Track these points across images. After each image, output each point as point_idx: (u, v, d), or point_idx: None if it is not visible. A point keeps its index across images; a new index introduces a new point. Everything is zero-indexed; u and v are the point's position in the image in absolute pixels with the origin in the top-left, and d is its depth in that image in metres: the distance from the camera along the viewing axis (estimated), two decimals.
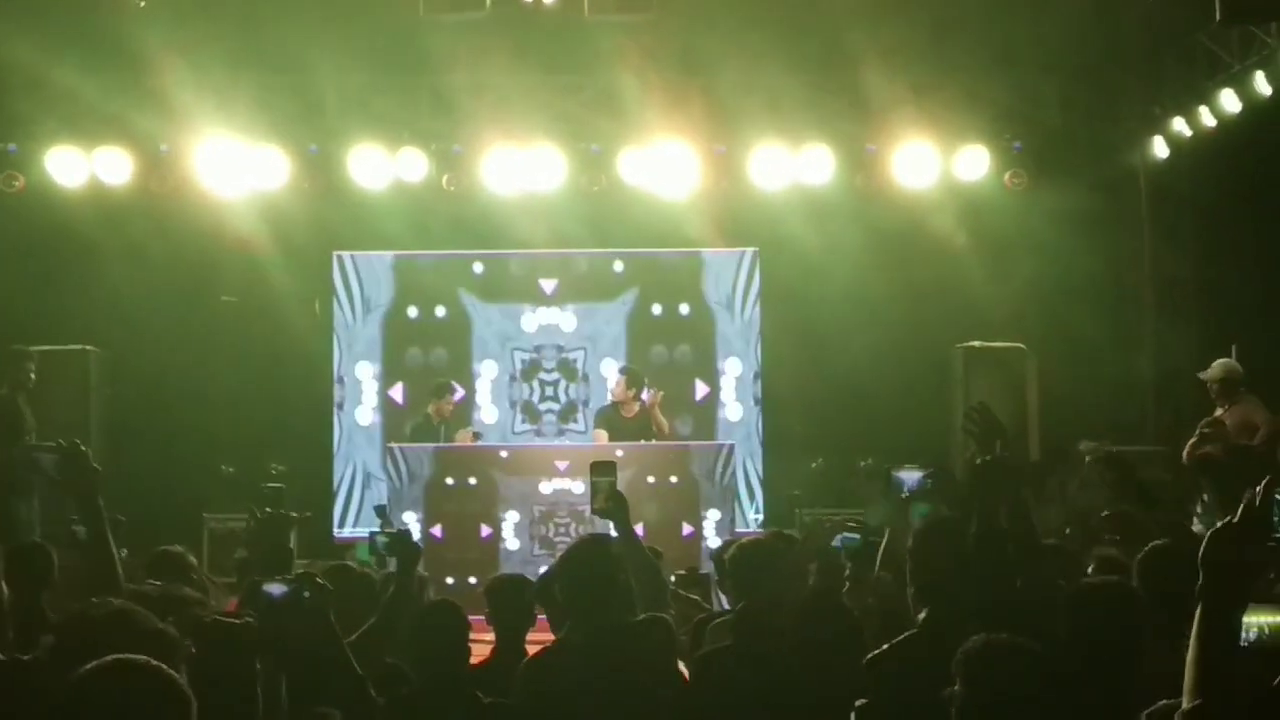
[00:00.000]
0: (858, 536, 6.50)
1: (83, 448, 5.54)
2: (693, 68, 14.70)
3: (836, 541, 6.77)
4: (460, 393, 15.00)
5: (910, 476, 5.79)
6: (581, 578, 5.48)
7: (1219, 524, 3.29)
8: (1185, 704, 3.26)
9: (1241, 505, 3.27)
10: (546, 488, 13.12)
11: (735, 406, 16.27)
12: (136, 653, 3.30)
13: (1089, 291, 15.22)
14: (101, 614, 3.93)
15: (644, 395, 13.83)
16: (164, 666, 3.22)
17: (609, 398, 14.30)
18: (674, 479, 13.09)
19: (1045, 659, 3.90)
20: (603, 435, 13.67)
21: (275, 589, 4.67)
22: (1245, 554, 3.25)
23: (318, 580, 4.85)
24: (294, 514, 6.81)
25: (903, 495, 5.93)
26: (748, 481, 15.84)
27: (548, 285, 16.26)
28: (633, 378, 13.99)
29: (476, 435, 14.67)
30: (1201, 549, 3.27)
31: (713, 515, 13.15)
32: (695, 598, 8.85)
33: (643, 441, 13.50)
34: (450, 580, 12.41)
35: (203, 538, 13.70)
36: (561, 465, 13.14)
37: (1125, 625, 4.71)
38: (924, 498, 5.60)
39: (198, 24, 13.79)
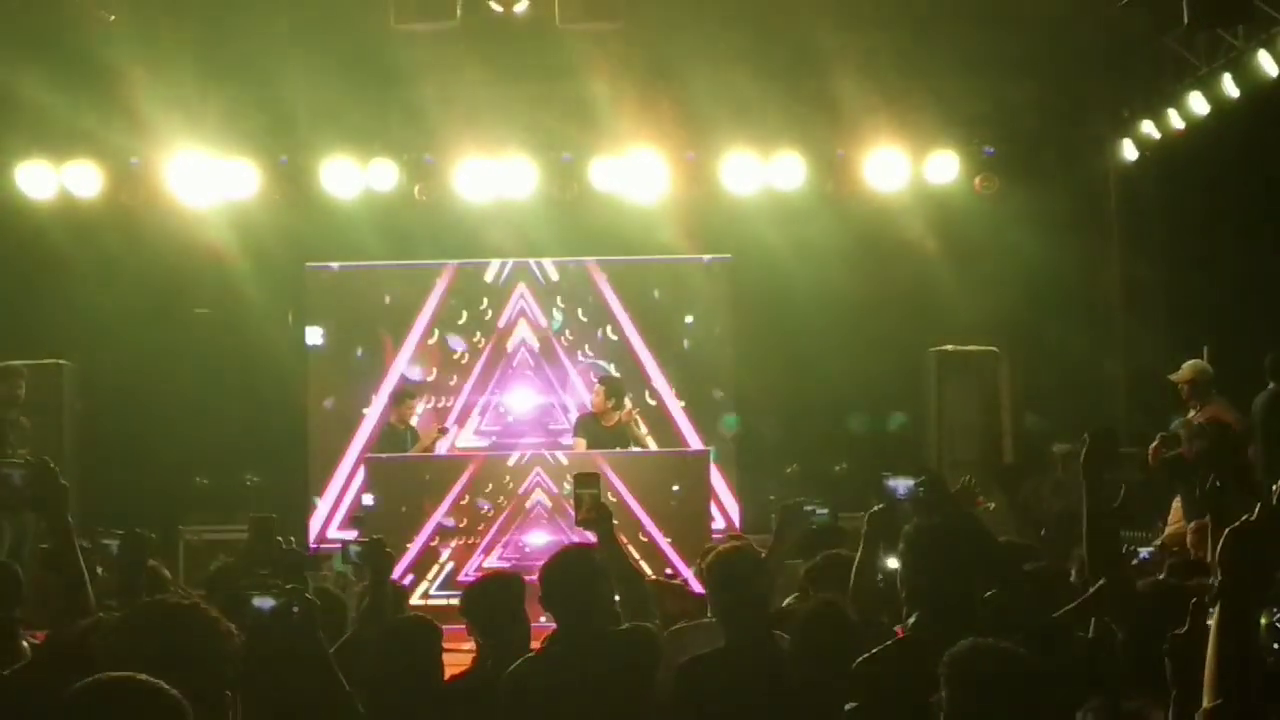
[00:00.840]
0: (826, 512, 6.60)
1: (51, 464, 5.46)
2: (663, 75, 14.70)
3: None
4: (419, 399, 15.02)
5: (902, 483, 5.78)
6: (563, 587, 5.46)
7: (1238, 522, 3.30)
8: (1206, 703, 3.27)
9: (1259, 504, 3.29)
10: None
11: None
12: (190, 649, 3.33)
13: (1060, 294, 15.31)
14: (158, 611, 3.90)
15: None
16: (160, 683, 3.19)
17: (588, 407, 14.25)
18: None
19: (1032, 663, 3.89)
20: (582, 444, 13.64)
21: (264, 603, 4.66)
22: (1264, 553, 3.26)
23: (306, 595, 4.84)
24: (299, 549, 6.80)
25: (896, 501, 5.92)
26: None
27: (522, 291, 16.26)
28: (612, 388, 13.93)
29: (443, 431, 14.66)
30: (1219, 548, 3.28)
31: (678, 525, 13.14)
32: (678, 583, 8.83)
33: (619, 449, 13.48)
34: None
35: (178, 550, 13.65)
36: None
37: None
38: (917, 507, 5.58)
39: (167, 37, 13.72)
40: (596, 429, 13.68)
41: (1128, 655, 4.80)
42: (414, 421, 14.55)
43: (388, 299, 16.18)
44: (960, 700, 3.84)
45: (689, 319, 16.24)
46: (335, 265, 16.18)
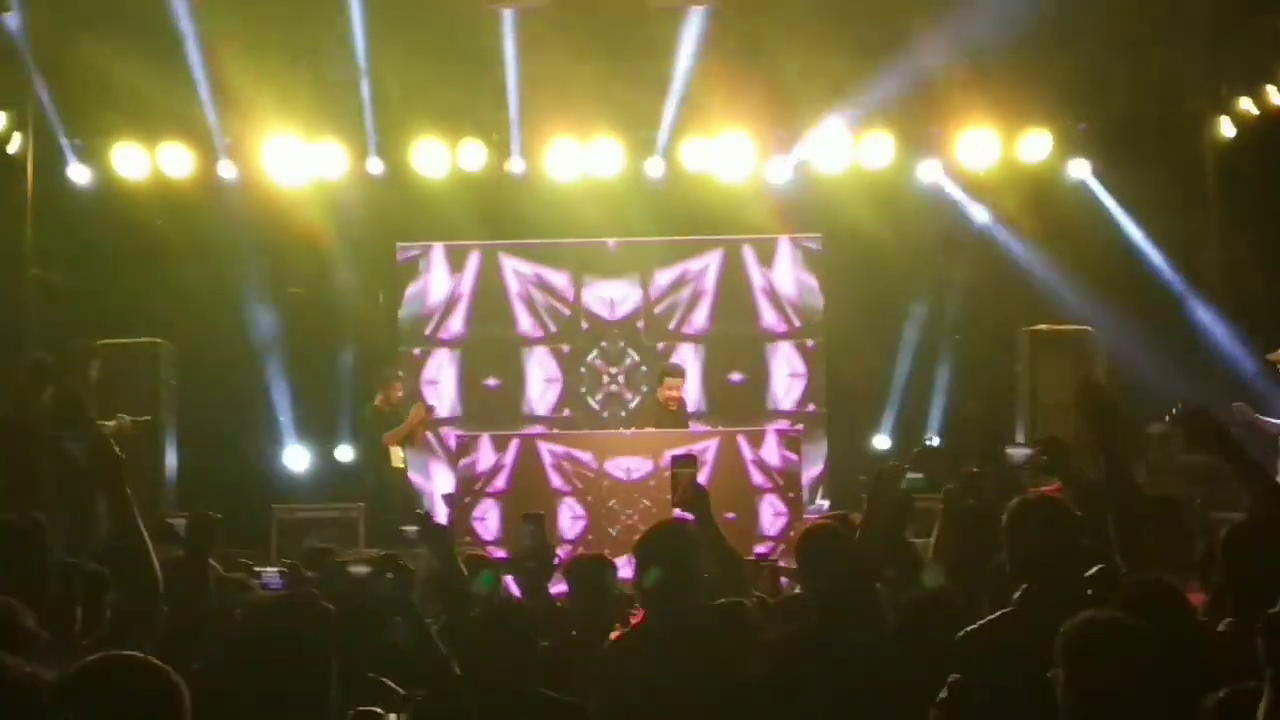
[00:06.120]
0: (922, 476, 6.53)
1: (106, 436, 5.42)
2: (754, 54, 14.58)
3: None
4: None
5: (1021, 453, 5.69)
6: (658, 563, 5.39)
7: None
8: None
9: None
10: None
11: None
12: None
13: (1156, 272, 15.05)
14: None
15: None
16: (152, 659, 3.25)
17: (661, 398, 14.04)
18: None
19: (1154, 636, 3.77)
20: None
21: (360, 570, 4.70)
22: None
23: (402, 563, 4.84)
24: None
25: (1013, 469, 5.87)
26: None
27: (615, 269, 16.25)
28: (684, 376, 14.20)
29: (430, 408, 14.72)
30: None
31: (770, 501, 13.07)
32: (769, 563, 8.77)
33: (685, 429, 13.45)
34: None
35: (270, 528, 13.70)
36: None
37: None
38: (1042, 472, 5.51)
39: (258, 17, 13.78)
40: (661, 413, 13.63)
41: None
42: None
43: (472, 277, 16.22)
44: (1080, 675, 3.74)
45: (776, 297, 16.13)
46: (425, 244, 16.23)
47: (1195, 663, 4.20)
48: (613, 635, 6.17)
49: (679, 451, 6.45)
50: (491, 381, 16.17)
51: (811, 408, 15.97)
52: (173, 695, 3.20)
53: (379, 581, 4.72)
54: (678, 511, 6.12)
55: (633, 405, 15.79)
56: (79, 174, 15.11)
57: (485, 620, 5.59)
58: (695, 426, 14.40)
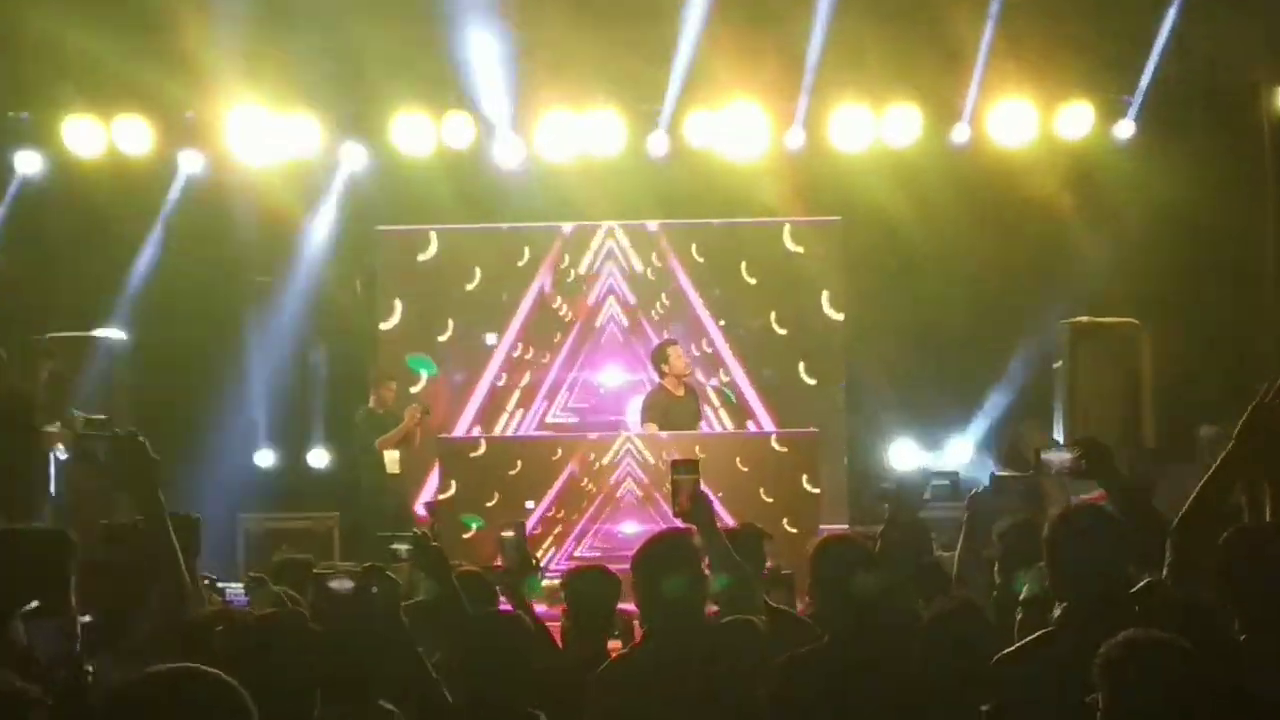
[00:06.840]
0: (947, 482, 6.50)
1: (139, 436, 5.39)
2: (766, 20, 14.53)
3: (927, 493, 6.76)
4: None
5: (1059, 457, 5.60)
6: (659, 577, 5.35)
7: None
8: None
9: None
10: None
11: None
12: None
13: (1208, 260, 14.99)
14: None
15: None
16: (225, 676, 3.25)
17: (657, 378, 13.97)
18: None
19: (1200, 657, 3.71)
20: (653, 428, 13.39)
21: (342, 585, 4.68)
22: None
23: (387, 574, 4.82)
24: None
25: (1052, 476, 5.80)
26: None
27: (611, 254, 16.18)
28: (678, 342, 14.10)
29: (426, 410, 14.73)
30: None
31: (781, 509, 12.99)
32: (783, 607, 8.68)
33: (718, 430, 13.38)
34: None
35: (237, 539, 13.67)
36: None
37: None
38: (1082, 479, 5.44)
39: None
40: (668, 403, 13.50)
41: None
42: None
43: (462, 264, 16.14)
44: (1121, 698, 3.68)
45: (793, 285, 16.05)
46: (407, 228, 16.16)
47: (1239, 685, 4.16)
48: (612, 654, 6.14)
49: (680, 456, 6.41)
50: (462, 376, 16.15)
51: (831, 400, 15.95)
52: (246, 716, 3.21)
53: (365, 598, 4.71)
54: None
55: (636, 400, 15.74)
56: (26, 151, 15.05)
57: (478, 637, 5.55)
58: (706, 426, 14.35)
